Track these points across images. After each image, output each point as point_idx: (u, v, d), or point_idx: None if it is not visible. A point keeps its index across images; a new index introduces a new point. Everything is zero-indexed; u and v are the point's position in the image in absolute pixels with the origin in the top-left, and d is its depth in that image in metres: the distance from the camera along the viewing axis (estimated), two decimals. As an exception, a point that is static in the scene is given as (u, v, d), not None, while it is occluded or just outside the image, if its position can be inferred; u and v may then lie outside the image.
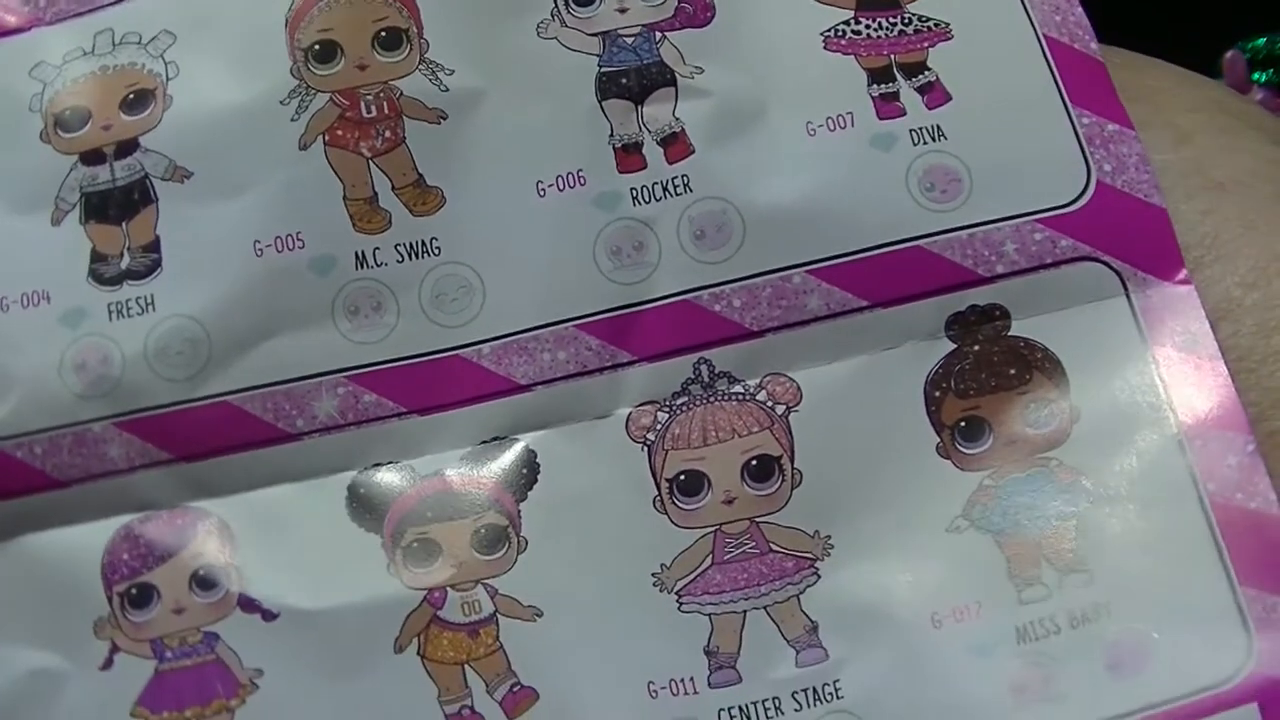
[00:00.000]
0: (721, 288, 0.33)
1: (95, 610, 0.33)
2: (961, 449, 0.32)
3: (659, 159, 0.33)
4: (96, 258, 0.34)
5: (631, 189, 0.33)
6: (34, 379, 0.33)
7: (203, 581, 0.33)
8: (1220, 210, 0.33)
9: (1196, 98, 0.36)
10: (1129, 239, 0.32)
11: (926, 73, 0.34)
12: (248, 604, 0.33)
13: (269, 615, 0.33)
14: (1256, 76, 0.54)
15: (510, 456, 0.33)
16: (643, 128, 0.33)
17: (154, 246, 0.34)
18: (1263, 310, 0.32)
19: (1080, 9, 0.34)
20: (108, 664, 0.33)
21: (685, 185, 0.33)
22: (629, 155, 0.33)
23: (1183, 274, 0.32)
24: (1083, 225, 0.32)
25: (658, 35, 0.34)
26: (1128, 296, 0.32)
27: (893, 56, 0.34)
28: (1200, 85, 0.37)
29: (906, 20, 0.34)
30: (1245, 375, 0.32)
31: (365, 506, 0.33)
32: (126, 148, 0.34)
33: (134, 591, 0.33)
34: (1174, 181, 0.33)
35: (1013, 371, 0.32)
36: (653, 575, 0.32)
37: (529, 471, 0.33)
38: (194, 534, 0.33)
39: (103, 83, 0.35)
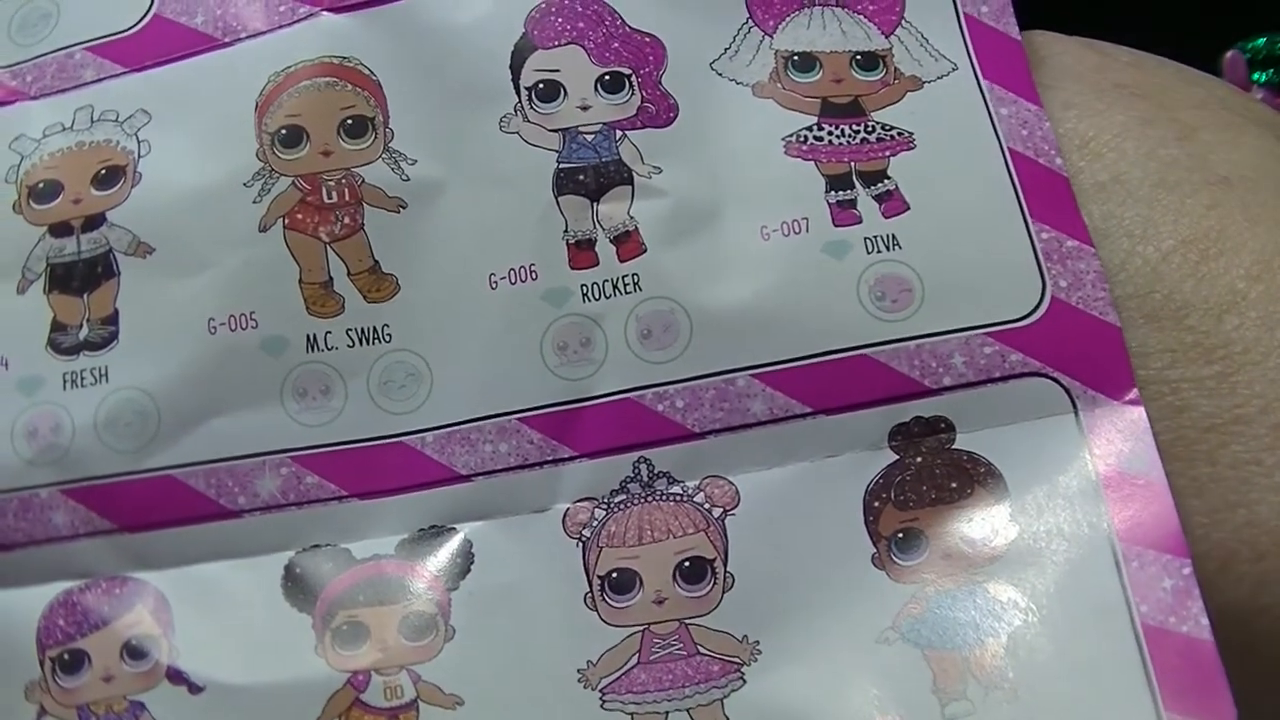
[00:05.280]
0: (665, 388, 0.33)
1: (27, 673, 0.33)
2: (897, 560, 0.32)
3: (611, 256, 0.33)
4: (56, 327, 0.35)
5: (582, 285, 0.33)
6: (-15, 444, 0.34)
7: (134, 651, 0.33)
8: (1224, 204, 0.33)
9: (1200, 94, 0.36)
10: (1080, 356, 0.32)
11: (886, 181, 0.33)
12: (175, 675, 0.33)
13: (195, 688, 0.33)
14: (1256, 76, 0.54)
15: (446, 546, 0.33)
16: (597, 225, 0.34)
17: (112, 319, 0.35)
18: (1267, 303, 0.32)
19: (1048, 124, 0.34)
20: None
21: (635, 284, 0.33)
22: (581, 251, 0.34)
23: (1133, 394, 0.31)
24: (1034, 341, 0.32)
25: (618, 134, 0.34)
26: (1076, 414, 0.32)
27: (853, 164, 0.34)
28: (1204, 82, 0.37)
29: (869, 128, 0.34)
30: (1250, 368, 0.31)
31: (300, 587, 0.33)
32: (93, 222, 0.35)
33: (66, 657, 0.34)
34: (1179, 176, 0.33)
35: (954, 485, 0.32)
36: (578, 671, 0.32)
37: (463, 561, 0.33)
38: (130, 604, 0.34)
39: (77, 158, 0.36)
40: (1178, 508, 0.31)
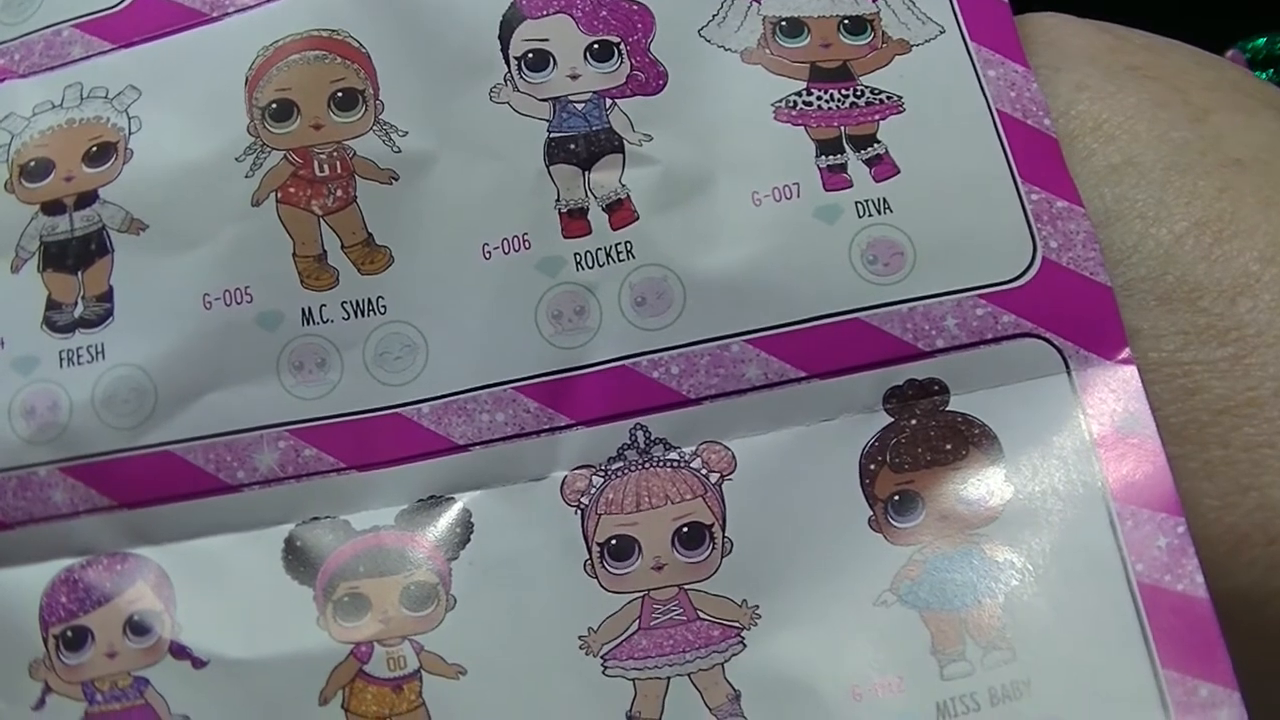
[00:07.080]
0: (660, 354, 0.33)
1: (31, 651, 0.34)
2: (893, 523, 0.32)
3: (603, 224, 0.33)
4: (51, 305, 0.35)
5: (575, 254, 0.33)
6: (-18, 423, 0.35)
7: (136, 627, 0.33)
8: (1237, 186, 0.33)
9: (1213, 77, 0.36)
10: (1072, 316, 0.32)
11: (876, 145, 0.34)
12: (179, 650, 0.33)
13: (198, 663, 0.33)
14: (1257, 76, 0.54)
15: (445, 516, 0.33)
16: (589, 193, 0.34)
17: (107, 296, 0.35)
18: None
19: (1035, 85, 0.34)
20: (40, 704, 0.33)
21: (628, 252, 0.33)
22: (574, 220, 0.34)
23: (1125, 353, 0.32)
24: (1026, 301, 0.32)
25: (608, 102, 0.34)
26: (1068, 374, 0.32)
27: (843, 128, 0.34)
28: (1217, 65, 0.37)
29: (859, 92, 0.34)
30: (1263, 350, 0.31)
31: (300, 560, 0.33)
32: (86, 199, 0.35)
33: (69, 634, 0.34)
34: (1192, 159, 0.33)
35: (949, 447, 0.32)
36: (579, 638, 0.32)
37: (463, 531, 0.33)
38: (131, 580, 0.34)
39: (68, 135, 0.36)
40: (1176, 480, 0.31)
